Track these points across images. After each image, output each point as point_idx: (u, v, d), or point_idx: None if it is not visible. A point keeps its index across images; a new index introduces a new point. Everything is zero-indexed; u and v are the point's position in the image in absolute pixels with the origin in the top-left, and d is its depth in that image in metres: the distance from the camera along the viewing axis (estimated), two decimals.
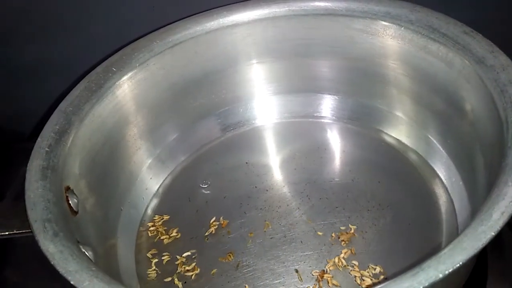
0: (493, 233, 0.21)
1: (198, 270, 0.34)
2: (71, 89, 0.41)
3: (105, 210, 0.34)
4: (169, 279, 0.34)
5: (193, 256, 0.35)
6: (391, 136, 0.40)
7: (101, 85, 0.35)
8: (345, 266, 0.33)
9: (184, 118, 0.41)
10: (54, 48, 0.44)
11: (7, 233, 0.24)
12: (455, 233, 0.34)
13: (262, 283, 0.33)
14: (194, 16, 0.39)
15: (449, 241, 0.31)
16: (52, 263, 0.22)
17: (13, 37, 0.43)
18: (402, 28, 0.36)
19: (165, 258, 0.35)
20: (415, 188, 0.37)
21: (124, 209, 0.36)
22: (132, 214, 0.37)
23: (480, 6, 0.42)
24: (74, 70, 0.42)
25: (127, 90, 0.36)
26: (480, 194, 0.30)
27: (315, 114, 0.43)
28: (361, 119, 0.41)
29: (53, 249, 0.23)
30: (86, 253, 0.25)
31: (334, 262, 0.33)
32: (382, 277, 0.32)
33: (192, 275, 0.34)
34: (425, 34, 0.35)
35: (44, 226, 0.24)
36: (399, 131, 0.40)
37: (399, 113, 0.40)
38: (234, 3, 0.39)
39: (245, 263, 0.34)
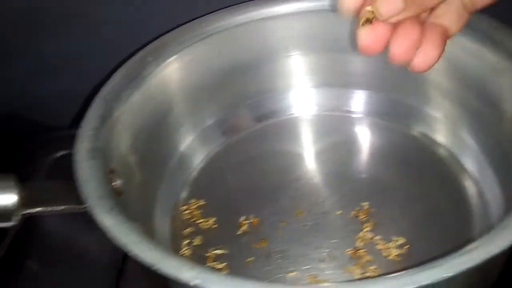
0: None
1: (231, 255, 0.34)
2: (93, 82, 0.42)
3: (143, 192, 0.34)
4: (204, 258, 0.34)
5: (226, 242, 0.35)
6: (420, 131, 0.41)
7: (138, 73, 0.36)
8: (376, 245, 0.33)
9: (218, 107, 0.41)
10: (82, 43, 0.44)
11: (62, 207, 0.25)
12: (486, 230, 0.34)
13: (295, 268, 0.33)
14: (226, 8, 0.40)
15: (480, 235, 0.33)
16: (110, 235, 0.23)
17: (41, 30, 0.44)
18: None
19: (197, 241, 0.35)
20: (445, 183, 0.37)
21: (159, 193, 0.37)
22: (168, 196, 0.37)
23: None
24: (101, 66, 0.42)
25: (162, 79, 0.37)
26: None
27: (346, 109, 0.43)
28: (391, 115, 0.42)
29: (109, 222, 0.23)
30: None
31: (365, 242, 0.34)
32: None
33: (224, 261, 0.34)
34: (462, 30, 0.35)
35: (98, 201, 0.25)
36: (429, 127, 0.40)
37: (429, 109, 0.40)
38: None
39: (278, 249, 0.34)
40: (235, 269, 0.33)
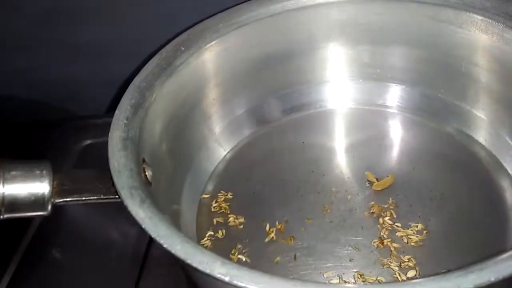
0: None
1: (256, 250, 0.34)
2: (129, 71, 0.42)
3: (171, 183, 0.34)
4: (230, 251, 0.34)
5: (251, 237, 0.35)
6: (455, 128, 0.40)
7: (170, 62, 0.35)
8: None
9: (248, 98, 0.41)
10: (116, 30, 0.45)
11: (95, 197, 0.25)
12: None
13: (323, 265, 0.33)
14: None
15: None
16: (143, 227, 0.23)
17: (73, 16, 0.44)
18: (476, 16, 0.35)
19: (220, 234, 0.35)
20: (480, 180, 0.36)
21: (187, 183, 0.37)
22: (194, 189, 0.37)
23: None
24: (136, 52, 0.42)
25: (193, 68, 0.37)
26: None
27: (380, 103, 0.42)
28: (426, 110, 0.41)
29: (143, 214, 0.24)
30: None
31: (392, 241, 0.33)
32: None
33: (248, 256, 0.34)
34: (501, 22, 0.34)
35: (131, 192, 0.25)
36: (465, 123, 0.39)
37: (465, 105, 0.39)
38: None
39: (305, 245, 0.34)
40: (260, 265, 0.33)
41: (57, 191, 0.25)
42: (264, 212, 0.36)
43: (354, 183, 0.38)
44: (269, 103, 0.42)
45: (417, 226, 0.34)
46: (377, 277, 0.31)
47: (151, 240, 0.35)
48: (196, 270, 0.21)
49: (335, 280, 0.31)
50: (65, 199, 0.25)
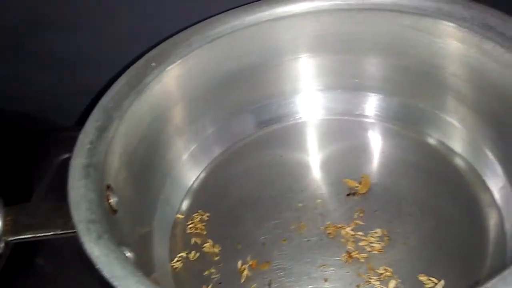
0: None
1: (231, 267, 0.33)
2: (104, 80, 0.41)
3: (141, 207, 0.34)
4: (202, 274, 0.34)
5: (224, 255, 0.34)
6: (435, 138, 0.39)
7: (140, 80, 0.34)
8: (385, 272, 0.32)
9: (221, 113, 0.40)
10: (91, 39, 0.44)
11: (51, 233, 0.24)
12: (502, 242, 0.32)
13: (297, 287, 0.32)
14: (233, 9, 0.38)
15: (496, 249, 0.31)
16: (97, 267, 0.22)
17: (49, 26, 0.43)
18: (454, 26, 0.34)
19: (192, 255, 0.35)
20: (460, 193, 0.35)
21: (159, 205, 0.36)
22: (167, 210, 0.37)
23: None
24: (111, 62, 0.42)
25: (165, 85, 0.36)
26: None
27: (357, 113, 0.41)
28: (405, 120, 0.40)
29: (98, 252, 0.23)
30: (128, 255, 0.25)
31: (373, 269, 0.32)
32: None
33: (219, 275, 0.33)
34: (480, 33, 0.33)
35: (88, 227, 0.24)
36: (445, 134, 0.38)
37: (445, 115, 0.38)
38: None
39: (280, 266, 0.33)
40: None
41: (10, 228, 0.24)
42: (240, 233, 0.35)
43: (333, 198, 0.37)
44: (241, 119, 0.41)
45: (388, 239, 0.33)
46: None
47: None
48: None
49: None
50: (19, 237, 0.24)
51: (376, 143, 0.40)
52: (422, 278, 0.31)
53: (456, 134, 0.38)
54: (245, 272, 0.33)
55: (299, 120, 0.42)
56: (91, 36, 0.44)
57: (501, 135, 0.34)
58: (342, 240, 0.34)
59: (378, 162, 0.39)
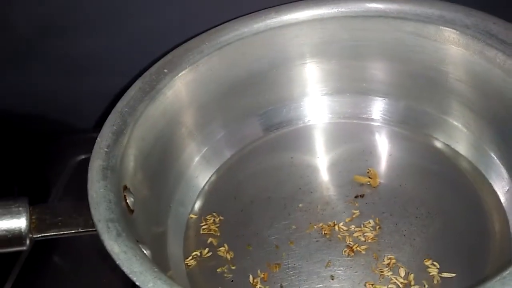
0: None
1: (241, 269, 0.34)
2: (120, 84, 0.43)
3: (156, 207, 0.35)
4: (210, 271, 0.34)
5: (237, 255, 0.35)
6: (441, 142, 0.40)
7: (153, 86, 0.36)
8: (391, 274, 0.33)
9: (231, 117, 0.41)
10: (107, 44, 0.45)
11: (72, 231, 0.26)
12: (507, 245, 0.33)
13: (307, 286, 0.33)
14: (242, 17, 0.39)
15: (501, 252, 0.31)
16: (117, 263, 0.23)
17: (69, 32, 0.44)
18: (457, 33, 0.35)
19: (207, 253, 0.36)
20: (466, 196, 0.36)
21: (172, 206, 0.37)
22: (180, 211, 0.38)
23: None
24: (127, 66, 0.43)
25: (177, 91, 0.37)
26: None
27: (364, 116, 0.42)
28: (411, 124, 0.41)
29: (118, 249, 0.24)
30: (145, 252, 0.26)
31: (380, 270, 0.33)
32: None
33: (233, 276, 0.34)
34: (482, 40, 0.34)
35: (107, 226, 0.25)
36: (450, 137, 0.39)
37: (450, 119, 0.39)
38: (282, 4, 0.39)
39: (290, 265, 0.34)
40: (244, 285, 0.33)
41: (35, 226, 0.25)
42: (251, 233, 0.36)
43: (341, 200, 0.38)
44: (250, 123, 0.42)
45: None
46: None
47: None
48: None
49: None
50: (43, 234, 0.25)
51: (383, 146, 0.41)
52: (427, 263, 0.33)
53: (462, 138, 0.39)
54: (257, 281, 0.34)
55: (308, 124, 0.43)
56: (107, 42, 0.45)
57: (506, 139, 0.35)
58: (351, 240, 0.35)
59: (385, 165, 0.40)
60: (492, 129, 0.36)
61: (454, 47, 0.36)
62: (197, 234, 0.37)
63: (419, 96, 0.40)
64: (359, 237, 0.35)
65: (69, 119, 0.52)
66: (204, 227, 0.37)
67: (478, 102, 0.36)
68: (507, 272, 0.21)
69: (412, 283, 0.32)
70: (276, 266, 0.34)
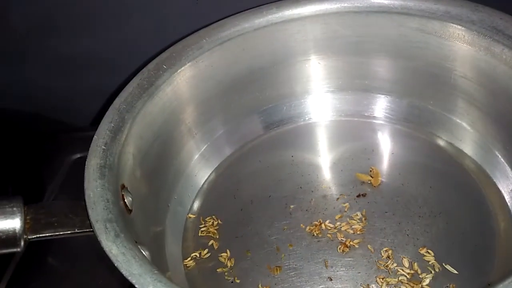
0: None
1: (242, 271, 0.34)
2: (117, 82, 0.42)
3: (154, 206, 0.34)
4: (209, 271, 0.34)
5: (237, 257, 0.35)
6: (444, 140, 0.39)
7: (152, 82, 0.35)
8: (396, 272, 0.32)
9: (231, 115, 0.40)
10: (104, 42, 0.44)
11: (69, 232, 0.25)
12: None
13: (308, 287, 0.32)
14: (243, 12, 0.39)
15: (506, 251, 0.31)
16: (116, 265, 0.23)
17: (64, 29, 0.44)
18: (463, 28, 0.34)
19: (206, 254, 0.35)
20: (470, 195, 0.36)
21: (171, 205, 0.36)
22: (179, 210, 0.37)
23: None
24: (124, 64, 0.42)
25: (176, 87, 0.36)
26: None
27: (366, 114, 0.41)
28: (414, 122, 0.40)
29: (116, 250, 0.23)
30: (144, 253, 0.25)
31: (384, 269, 0.32)
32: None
33: (234, 274, 0.33)
34: (488, 35, 0.33)
35: (105, 226, 0.24)
36: (454, 136, 0.39)
37: (454, 117, 0.38)
38: None
39: (291, 266, 0.34)
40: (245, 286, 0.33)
41: (30, 227, 0.24)
42: (251, 233, 0.35)
43: (343, 199, 0.37)
44: (251, 120, 0.41)
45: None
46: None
47: None
48: None
49: None
50: (38, 235, 0.24)
51: (386, 144, 0.40)
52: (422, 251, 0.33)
53: (466, 136, 0.38)
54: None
55: (309, 121, 0.42)
56: (104, 40, 0.44)
57: (509, 134, 0.35)
58: (352, 240, 0.34)
59: (387, 163, 0.39)
60: (497, 127, 0.35)
61: (460, 43, 0.35)
62: (196, 235, 0.36)
63: (422, 94, 0.39)
64: (361, 235, 0.34)
65: (65, 117, 0.51)
66: (203, 229, 0.36)
67: (483, 100, 0.36)
68: None
69: (419, 271, 0.32)
70: (277, 269, 0.33)
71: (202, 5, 0.42)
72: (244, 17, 0.38)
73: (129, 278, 0.22)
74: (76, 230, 0.25)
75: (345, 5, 0.38)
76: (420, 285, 0.31)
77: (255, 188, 0.38)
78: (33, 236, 0.24)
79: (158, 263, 0.31)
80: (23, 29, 0.44)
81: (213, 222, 0.37)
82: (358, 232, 0.34)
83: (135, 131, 0.33)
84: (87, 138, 0.30)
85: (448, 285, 0.31)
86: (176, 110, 0.37)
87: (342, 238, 0.34)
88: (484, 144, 0.37)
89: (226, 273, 0.34)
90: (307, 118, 0.42)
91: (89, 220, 0.25)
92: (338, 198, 0.37)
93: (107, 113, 0.32)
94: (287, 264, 0.34)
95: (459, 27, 0.35)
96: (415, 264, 0.32)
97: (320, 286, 0.32)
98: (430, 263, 0.32)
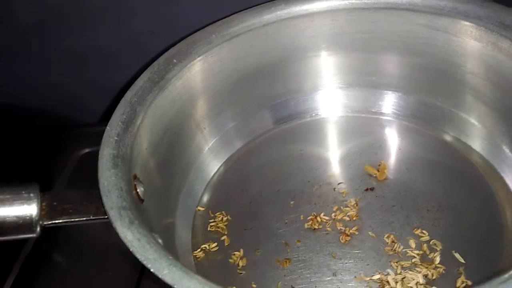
0: None
1: (251, 263, 0.34)
2: (126, 79, 0.42)
3: (165, 198, 0.34)
4: (218, 263, 0.34)
5: (245, 249, 0.35)
6: (452, 135, 0.39)
7: (162, 76, 0.35)
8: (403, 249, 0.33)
9: (241, 109, 0.41)
10: (110, 37, 0.44)
11: (84, 218, 0.25)
12: None
13: (317, 279, 0.33)
14: (251, 8, 0.39)
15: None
16: (131, 250, 0.23)
17: (72, 24, 0.44)
18: (470, 24, 0.35)
19: (215, 247, 0.35)
20: (478, 190, 0.36)
21: (181, 197, 0.37)
22: (188, 203, 0.37)
23: None
24: (131, 60, 0.43)
25: (186, 81, 0.37)
26: None
27: (374, 110, 0.42)
28: (421, 118, 0.40)
29: (131, 236, 0.24)
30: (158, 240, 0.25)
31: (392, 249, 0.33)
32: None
33: (244, 267, 0.34)
34: (496, 31, 0.33)
35: (120, 213, 0.25)
36: (461, 131, 0.39)
37: (462, 113, 0.39)
38: None
39: (300, 258, 0.34)
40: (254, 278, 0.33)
41: (45, 213, 0.25)
42: (260, 226, 0.36)
43: (351, 193, 0.37)
44: (261, 114, 0.42)
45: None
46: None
47: None
48: None
49: None
50: (54, 221, 0.25)
51: (394, 140, 0.40)
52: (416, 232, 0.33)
53: (473, 132, 0.38)
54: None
55: (318, 117, 0.42)
56: (112, 36, 0.45)
57: None
58: (360, 233, 0.35)
59: (395, 159, 0.39)
60: (505, 122, 0.36)
61: (467, 39, 0.35)
62: (205, 228, 0.37)
63: (430, 90, 0.40)
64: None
65: (73, 113, 0.51)
66: (212, 224, 0.37)
67: (491, 95, 0.36)
68: None
69: (427, 252, 0.32)
70: (286, 261, 0.33)
71: (211, 0, 0.42)
72: (253, 13, 0.39)
73: (144, 262, 0.22)
74: (91, 217, 0.25)
75: (353, 1, 0.38)
76: (433, 265, 0.31)
77: (264, 181, 0.39)
78: (49, 222, 0.25)
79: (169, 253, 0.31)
80: (29, 23, 0.44)
81: (222, 218, 0.37)
82: (365, 225, 0.34)
83: (147, 123, 0.33)
84: (94, 134, 0.31)
85: (458, 268, 0.31)
86: (186, 104, 0.37)
87: (350, 231, 0.34)
88: (491, 139, 0.37)
89: (235, 265, 0.34)
90: (315, 114, 0.43)
91: (103, 207, 0.25)
92: (346, 192, 0.37)
93: (119, 105, 0.33)
94: (295, 256, 0.34)
95: (467, 23, 0.35)
96: (424, 245, 0.33)
97: (329, 278, 0.32)
98: (439, 249, 0.33)
